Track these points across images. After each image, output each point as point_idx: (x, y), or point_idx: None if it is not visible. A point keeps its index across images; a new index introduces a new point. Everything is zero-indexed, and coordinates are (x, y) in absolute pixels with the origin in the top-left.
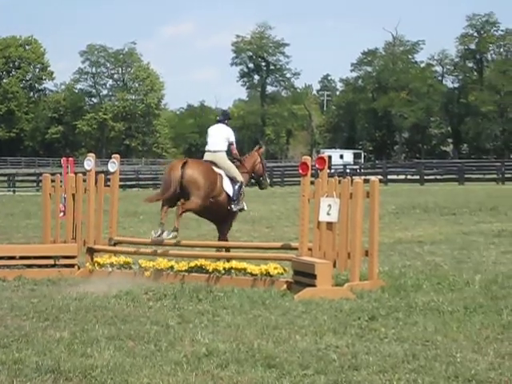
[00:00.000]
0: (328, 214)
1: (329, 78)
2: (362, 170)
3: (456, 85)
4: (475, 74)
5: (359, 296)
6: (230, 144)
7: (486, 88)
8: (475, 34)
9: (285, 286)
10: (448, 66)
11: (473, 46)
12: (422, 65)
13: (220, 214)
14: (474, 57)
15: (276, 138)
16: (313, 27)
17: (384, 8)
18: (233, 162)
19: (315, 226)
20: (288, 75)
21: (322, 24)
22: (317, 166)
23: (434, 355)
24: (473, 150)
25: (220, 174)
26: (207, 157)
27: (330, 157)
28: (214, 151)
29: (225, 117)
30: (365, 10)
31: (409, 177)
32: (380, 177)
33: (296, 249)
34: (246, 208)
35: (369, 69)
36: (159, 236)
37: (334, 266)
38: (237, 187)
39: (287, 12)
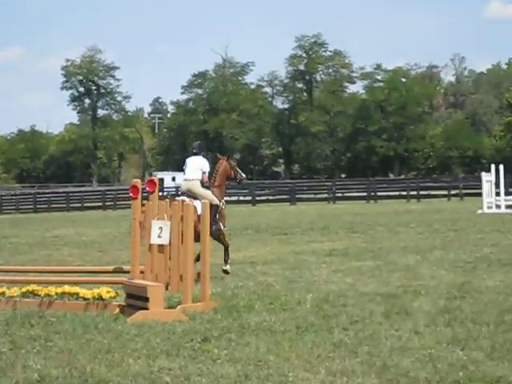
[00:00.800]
0: (159, 236)
1: (160, 100)
2: None
3: (286, 105)
4: (305, 94)
5: (192, 318)
6: (203, 173)
7: (315, 108)
8: (304, 55)
9: (117, 310)
10: (278, 87)
11: (302, 67)
12: (252, 86)
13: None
14: (303, 77)
15: (108, 161)
16: (143, 50)
17: (214, 30)
18: (208, 188)
19: (147, 249)
20: (119, 98)
21: (152, 47)
22: (147, 188)
23: (267, 375)
24: (304, 170)
25: (194, 207)
26: (184, 185)
27: (161, 179)
28: (190, 180)
29: (200, 149)
30: (194, 33)
31: (241, 198)
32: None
33: (128, 272)
34: (223, 228)
35: (199, 91)
36: None
37: (167, 288)
38: (213, 211)
39: (117, 36)
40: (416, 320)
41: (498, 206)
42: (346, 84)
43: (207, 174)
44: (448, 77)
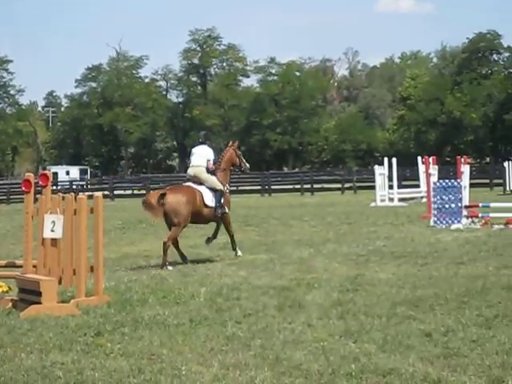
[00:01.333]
0: (52, 230)
1: (54, 94)
2: (89, 186)
3: (181, 99)
4: (199, 88)
5: (85, 312)
6: (208, 161)
7: (210, 102)
8: (198, 49)
9: (10, 305)
10: (172, 81)
11: (196, 61)
12: (147, 80)
13: (212, 219)
14: (197, 71)
15: (1, 155)
16: (37, 44)
17: (107, 23)
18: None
19: (39, 243)
20: (12, 92)
21: (46, 41)
22: (40, 182)
23: (160, 368)
24: None
25: (199, 191)
26: (190, 171)
27: (55, 173)
28: (197, 166)
29: (206, 138)
30: (88, 26)
31: (135, 192)
32: (106, 192)
33: (21, 266)
34: (227, 211)
35: (93, 84)
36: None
37: (60, 282)
38: (218, 196)
39: (10, 28)
40: (309, 313)
41: (391, 199)
42: (240, 78)
43: (212, 161)
44: (341, 70)
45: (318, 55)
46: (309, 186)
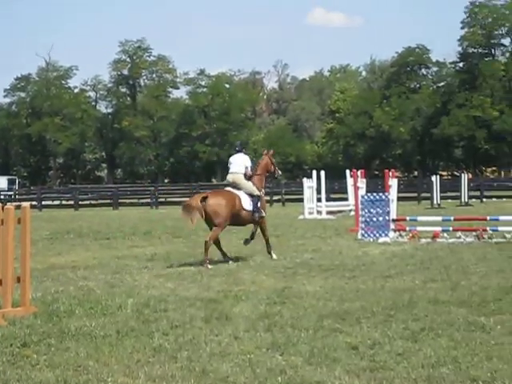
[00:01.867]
0: None
1: None
2: (17, 196)
3: (110, 110)
4: (128, 99)
5: (11, 323)
6: (246, 167)
7: (139, 113)
8: (128, 60)
9: None
10: (102, 92)
11: (126, 72)
12: (76, 90)
13: (249, 222)
14: (127, 82)
15: None
16: None
17: (37, 33)
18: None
19: None
20: None
21: None
22: None
23: (86, 380)
24: (127, 175)
25: (238, 196)
26: (229, 177)
27: None
28: (235, 173)
29: (242, 147)
30: (18, 36)
31: (64, 202)
32: (34, 202)
33: None
34: (264, 214)
35: (22, 94)
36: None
37: None
38: (255, 200)
39: None
40: (236, 325)
41: (319, 212)
42: (170, 89)
43: (249, 168)
44: (271, 83)
45: (248, 68)
46: None
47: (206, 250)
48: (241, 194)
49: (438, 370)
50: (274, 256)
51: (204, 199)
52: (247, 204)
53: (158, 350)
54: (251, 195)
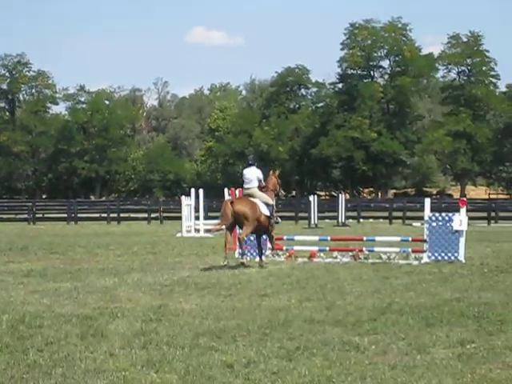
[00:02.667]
0: None
1: None
2: None
3: None
4: (7, 114)
5: None
6: (259, 181)
7: (17, 128)
8: (7, 74)
9: None
10: None
11: (5, 86)
12: None
13: (264, 228)
14: (6, 97)
15: None
16: None
17: None
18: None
19: None
20: None
21: None
22: None
23: None
24: (4, 190)
25: (256, 203)
26: (245, 190)
27: None
28: (251, 187)
29: (254, 161)
30: None
31: None
32: None
33: None
34: (279, 221)
35: None
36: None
37: None
38: (270, 208)
39: None
40: (111, 342)
41: (197, 230)
42: (49, 104)
43: (262, 181)
44: (151, 100)
45: (128, 85)
46: (115, 214)
47: (240, 245)
48: (257, 201)
49: None
50: (263, 258)
51: (231, 204)
52: (265, 209)
53: (32, 367)
54: (266, 204)
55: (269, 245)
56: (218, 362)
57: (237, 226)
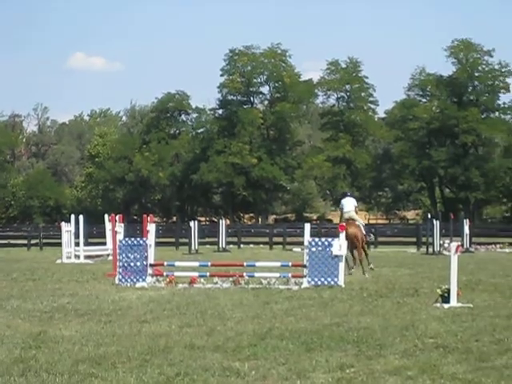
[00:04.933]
0: None
1: None
2: None
3: None
4: None
5: None
6: (355, 206)
7: None
8: None
9: None
10: None
11: None
12: None
13: (361, 244)
14: None
15: None
16: None
17: None
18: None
19: None
20: None
21: None
22: None
23: None
24: None
25: (359, 225)
26: (346, 215)
27: None
28: (350, 211)
29: (351, 193)
30: None
31: None
32: None
33: None
34: (372, 238)
35: None
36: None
37: None
38: (365, 229)
39: None
40: None
41: (77, 256)
42: None
43: (357, 207)
44: (30, 126)
45: (7, 110)
46: None
47: (361, 262)
48: (359, 223)
49: None
50: (367, 275)
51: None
52: (363, 230)
53: None
54: (362, 225)
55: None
56: None
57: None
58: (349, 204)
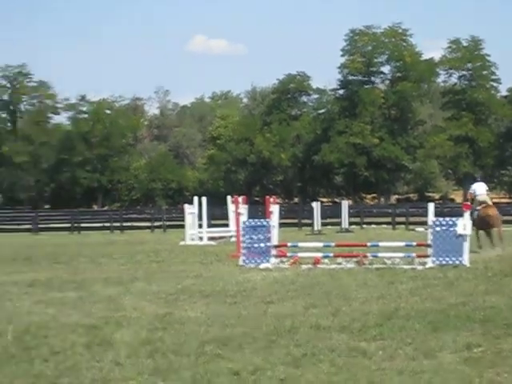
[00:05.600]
0: None
1: None
2: None
3: None
4: (9, 124)
5: None
6: (487, 190)
7: (19, 139)
8: (8, 85)
9: None
10: None
11: (6, 97)
12: None
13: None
14: (7, 108)
15: None
16: None
17: None
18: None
19: None
20: None
21: None
22: None
23: None
24: (7, 201)
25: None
26: (480, 198)
27: None
28: (483, 194)
29: (481, 178)
30: None
31: None
32: None
33: None
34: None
35: None
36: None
37: None
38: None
39: None
40: (117, 351)
41: (201, 238)
42: (51, 115)
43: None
44: (152, 109)
45: (129, 94)
46: (118, 224)
47: (501, 239)
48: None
49: None
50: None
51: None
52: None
53: (38, 377)
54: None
55: None
56: (224, 369)
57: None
58: (481, 188)
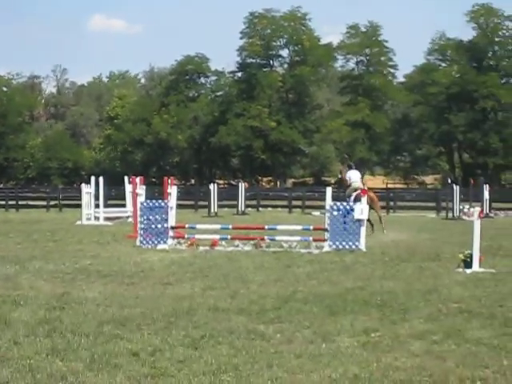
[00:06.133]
0: None
1: None
2: None
3: None
4: None
5: None
6: (360, 178)
7: None
8: None
9: None
10: None
11: None
12: None
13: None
14: None
15: None
16: None
17: None
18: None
19: None
20: None
21: None
22: None
23: None
24: None
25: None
26: (354, 185)
27: None
28: (357, 181)
29: (355, 165)
30: None
31: None
32: None
33: None
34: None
35: None
36: None
37: None
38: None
39: None
40: (15, 330)
41: (97, 218)
42: None
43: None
44: (49, 88)
45: (26, 71)
46: (14, 202)
47: (381, 221)
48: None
49: (218, 378)
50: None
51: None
52: None
53: None
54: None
55: None
56: (123, 350)
57: None
58: (355, 175)
